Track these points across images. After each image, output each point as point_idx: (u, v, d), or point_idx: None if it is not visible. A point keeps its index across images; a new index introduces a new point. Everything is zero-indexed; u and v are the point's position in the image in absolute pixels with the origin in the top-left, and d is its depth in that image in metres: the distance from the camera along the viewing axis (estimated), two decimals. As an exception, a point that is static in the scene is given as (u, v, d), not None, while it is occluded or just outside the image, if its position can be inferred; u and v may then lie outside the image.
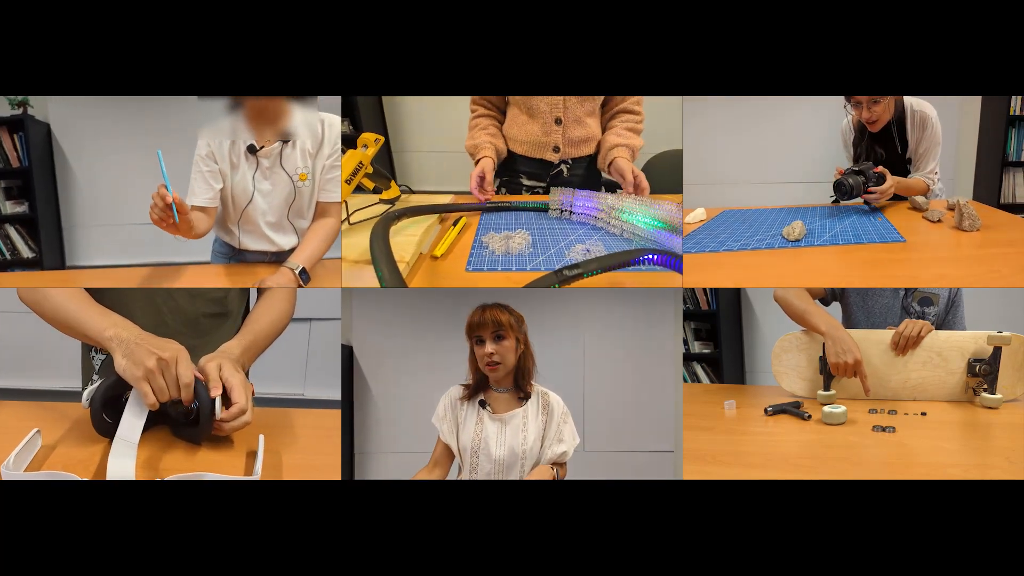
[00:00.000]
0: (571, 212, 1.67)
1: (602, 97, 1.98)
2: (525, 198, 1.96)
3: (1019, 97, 3.32)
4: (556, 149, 1.97)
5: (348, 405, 2.21)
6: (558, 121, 1.93)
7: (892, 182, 1.86)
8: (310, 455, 1.20)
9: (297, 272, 1.60)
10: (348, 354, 2.19)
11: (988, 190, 3.36)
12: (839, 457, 1.30)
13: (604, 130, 2.00)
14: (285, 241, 1.76)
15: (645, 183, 1.81)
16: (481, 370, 1.33)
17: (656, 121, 2.16)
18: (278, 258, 1.74)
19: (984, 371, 1.57)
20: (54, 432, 1.19)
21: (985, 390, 1.57)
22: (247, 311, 1.62)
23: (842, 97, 2.03)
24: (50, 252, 3.62)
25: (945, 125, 2.10)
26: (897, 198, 1.95)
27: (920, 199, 1.90)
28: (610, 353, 2.30)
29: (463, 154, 2.02)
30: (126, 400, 1.12)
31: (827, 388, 1.65)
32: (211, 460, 1.14)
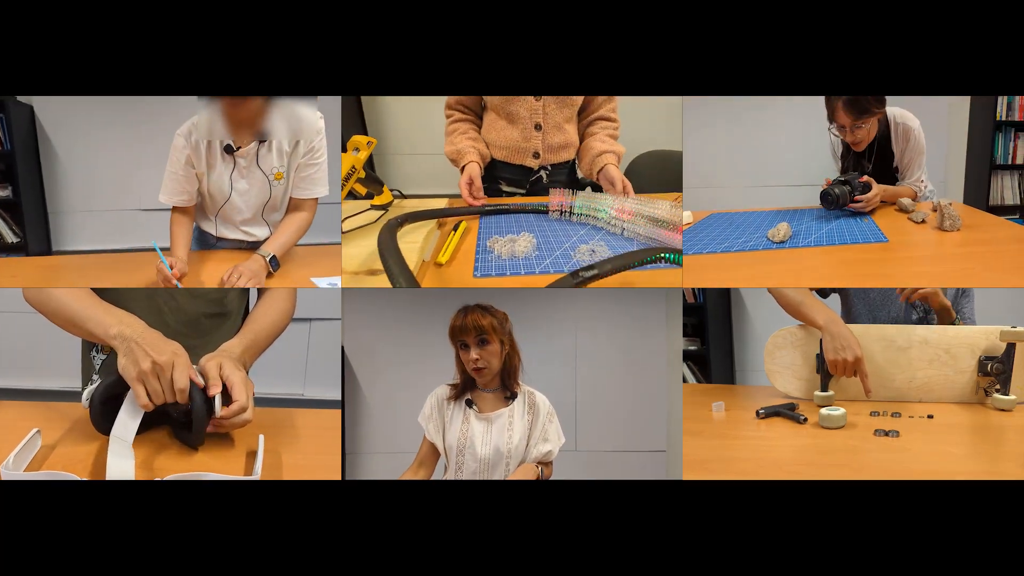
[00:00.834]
0: (571, 213, 1.67)
1: (580, 103, 1.99)
2: (522, 200, 1.95)
3: (1005, 102, 3.39)
4: (536, 155, 1.97)
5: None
6: (538, 127, 1.93)
7: (878, 190, 1.89)
8: (310, 455, 1.20)
9: (268, 260, 1.69)
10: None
11: (977, 193, 3.42)
12: (837, 463, 1.22)
13: (582, 137, 2.02)
14: (260, 232, 1.85)
15: (631, 189, 1.85)
16: (468, 372, 1.34)
17: (632, 124, 2.17)
18: (252, 247, 1.81)
19: (997, 370, 1.47)
20: (54, 432, 1.19)
21: (997, 390, 1.47)
22: (247, 311, 1.64)
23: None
24: (35, 237, 3.56)
25: (935, 130, 2.13)
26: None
27: (907, 201, 1.92)
28: (604, 352, 2.31)
29: (444, 157, 2.01)
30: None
31: (825, 388, 1.56)
32: (211, 460, 1.14)
